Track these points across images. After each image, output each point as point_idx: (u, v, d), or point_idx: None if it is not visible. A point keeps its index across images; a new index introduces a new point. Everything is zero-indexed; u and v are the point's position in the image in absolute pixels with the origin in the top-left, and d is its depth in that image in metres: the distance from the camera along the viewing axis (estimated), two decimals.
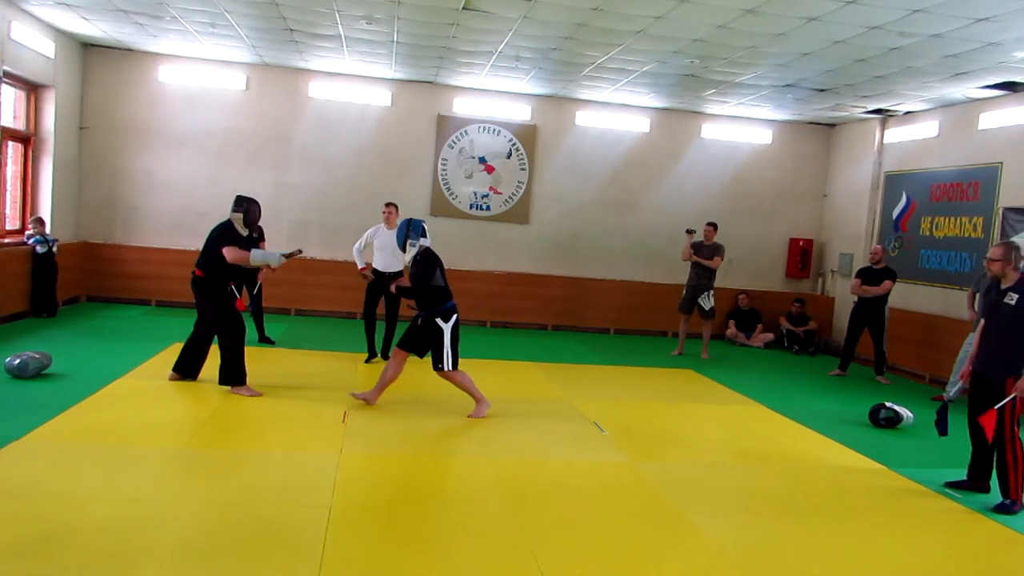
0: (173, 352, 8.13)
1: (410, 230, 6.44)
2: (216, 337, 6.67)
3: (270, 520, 4.07)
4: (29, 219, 9.74)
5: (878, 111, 11.15)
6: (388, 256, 8.29)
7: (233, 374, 6.55)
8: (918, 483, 5.62)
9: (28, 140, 9.98)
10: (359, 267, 8.50)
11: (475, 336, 10.40)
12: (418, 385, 7.62)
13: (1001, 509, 5.09)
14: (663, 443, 6.24)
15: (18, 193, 9.91)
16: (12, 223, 9.79)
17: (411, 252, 6.44)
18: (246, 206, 6.65)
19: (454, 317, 6.43)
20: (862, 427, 7.25)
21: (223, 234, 6.54)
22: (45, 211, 10.15)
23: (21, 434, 5.05)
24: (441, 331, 6.34)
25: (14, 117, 9.64)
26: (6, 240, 9.39)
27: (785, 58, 8.46)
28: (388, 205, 8.47)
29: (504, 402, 7.19)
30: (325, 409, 6.25)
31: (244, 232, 6.68)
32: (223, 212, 10.46)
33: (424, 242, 6.48)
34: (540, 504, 4.71)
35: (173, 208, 11.28)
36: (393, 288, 6.81)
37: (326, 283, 11.23)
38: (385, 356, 8.43)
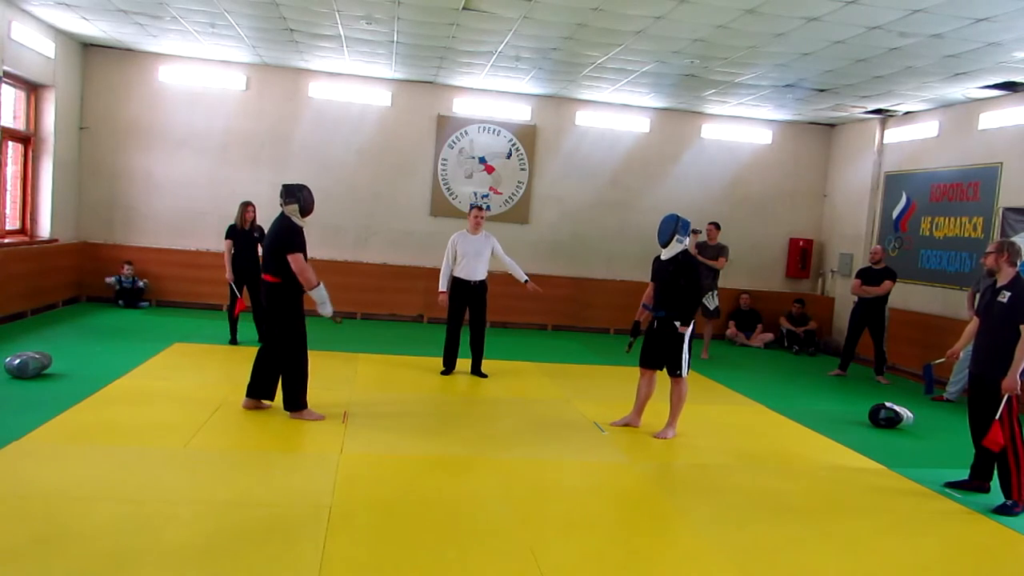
0: (173, 352, 8.16)
1: (679, 226, 6.16)
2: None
3: (270, 520, 4.07)
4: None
5: (878, 111, 11.15)
6: (473, 263, 7.78)
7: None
8: (918, 483, 5.62)
9: (28, 140, 9.98)
10: (441, 290, 7.89)
11: None
12: (418, 385, 7.63)
13: (1002, 510, 5.09)
14: (663, 443, 6.23)
15: (18, 193, 9.90)
16: (12, 223, 9.79)
17: (674, 250, 6.21)
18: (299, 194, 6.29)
19: (692, 324, 6.23)
20: (862, 427, 7.25)
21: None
22: (45, 211, 10.16)
23: (21, 434, 5.05)
24: (680, 336, 6.19)
25: (14, 117, 9.64)
26: (6, 240, 9.39)
27: (785, 58, 8.46)
28: (480, 208, 7.96)
29: (504, 402, 7.20)
30: (325, 409, 6.24)
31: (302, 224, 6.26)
32: (223, 212, 10.64)
33: (686, 242, 6.25)
34: (540, 504, 4.71)
35: (173, 208, 11.28)
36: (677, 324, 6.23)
37: (325, 283, 11.17)
38: (479, 373, 7.97)
